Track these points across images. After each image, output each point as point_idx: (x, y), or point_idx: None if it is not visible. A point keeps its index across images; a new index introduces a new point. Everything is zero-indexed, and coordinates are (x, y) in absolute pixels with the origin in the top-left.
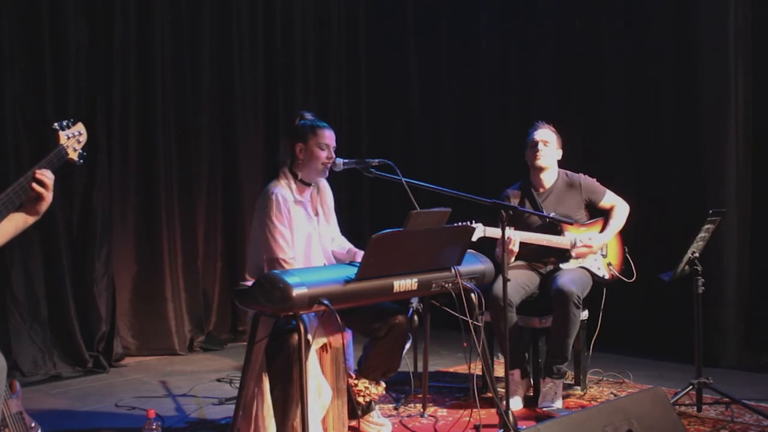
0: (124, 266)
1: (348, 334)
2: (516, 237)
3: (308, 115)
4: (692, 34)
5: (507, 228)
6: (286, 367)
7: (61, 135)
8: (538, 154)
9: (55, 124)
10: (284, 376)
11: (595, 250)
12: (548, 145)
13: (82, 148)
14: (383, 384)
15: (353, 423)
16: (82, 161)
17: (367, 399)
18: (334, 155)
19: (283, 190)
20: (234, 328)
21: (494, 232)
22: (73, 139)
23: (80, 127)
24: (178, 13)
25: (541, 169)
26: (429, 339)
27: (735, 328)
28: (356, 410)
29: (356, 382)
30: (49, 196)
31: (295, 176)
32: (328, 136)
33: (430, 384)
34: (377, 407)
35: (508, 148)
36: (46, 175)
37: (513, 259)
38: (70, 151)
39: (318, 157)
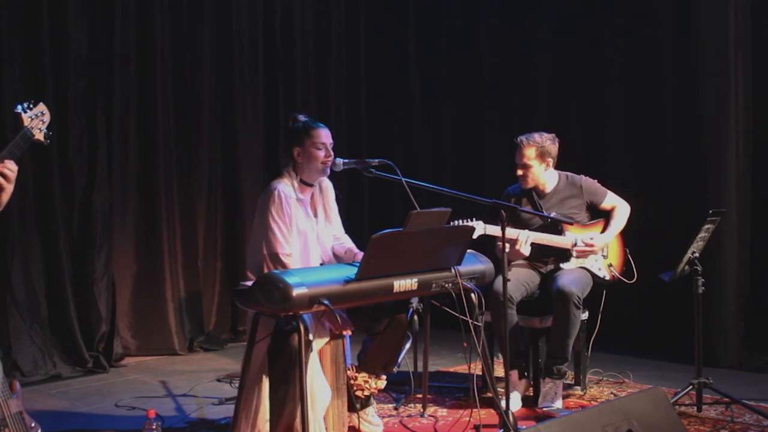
0: (124, 266)
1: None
2: (528, 237)
3: (301, 117)
4: (692, 34)
5: (516, 229)
6: (287, 368)
7: (24, 117)
8: (522, 181)
9: (17, 106)
10: (285, 377)
11: (596, 250)
12: (529, 168)
13: (47, 128)
14: (384, 377)
15: (351, 423)
16: (48, 141)
17: (367, 393)
18: (332, 153)
19: (286, 187)
20: (234, 328)
21: (495, 230)
22: (37, 119)
23: (42, 107)
24: (178, 13)
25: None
26: (429, 339)
27: (735, 328)
28: (354, 404)
29: (356, 375)
30: (9, 187)
31: (297, 176)
32: (324, 135)
33: (430, 384)
34: (374, 405)
35: (508, 148)
36: (9, 167)
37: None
38: (35, 131)
39: (316, 158)
